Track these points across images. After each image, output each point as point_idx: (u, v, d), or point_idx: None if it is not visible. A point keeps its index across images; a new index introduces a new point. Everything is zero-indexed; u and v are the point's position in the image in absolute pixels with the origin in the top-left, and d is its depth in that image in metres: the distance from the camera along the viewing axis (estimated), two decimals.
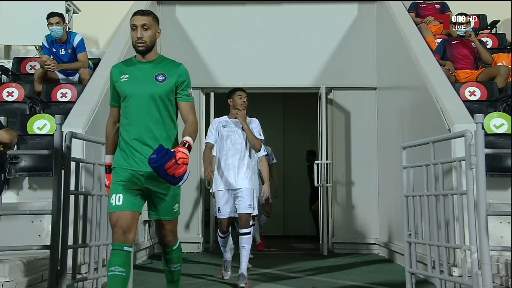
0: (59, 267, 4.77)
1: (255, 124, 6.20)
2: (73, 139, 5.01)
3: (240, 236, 6.06)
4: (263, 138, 6.22)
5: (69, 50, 7.53)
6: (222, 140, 6.16)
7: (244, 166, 6.08)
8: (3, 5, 8.51)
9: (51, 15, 7.46)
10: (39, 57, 8.46)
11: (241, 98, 6.19)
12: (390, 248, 8.41)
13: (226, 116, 6.28)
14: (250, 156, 6.15)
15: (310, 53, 9.86)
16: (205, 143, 6.28)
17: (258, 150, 6.20)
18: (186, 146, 3.79)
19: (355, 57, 9.89)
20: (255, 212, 7.21)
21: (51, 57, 7.52)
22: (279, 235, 12.46)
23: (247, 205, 6.06)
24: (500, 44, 8.97)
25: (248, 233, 6.04)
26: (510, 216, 5.24)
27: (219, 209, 6.15)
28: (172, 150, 3.70)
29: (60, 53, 7.52)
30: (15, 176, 6.31)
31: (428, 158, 5.34)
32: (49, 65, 7.34)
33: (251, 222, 6.22)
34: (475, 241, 4.61)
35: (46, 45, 7.55)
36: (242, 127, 6.08)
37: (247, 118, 6.20)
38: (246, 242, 6.05)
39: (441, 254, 5.12)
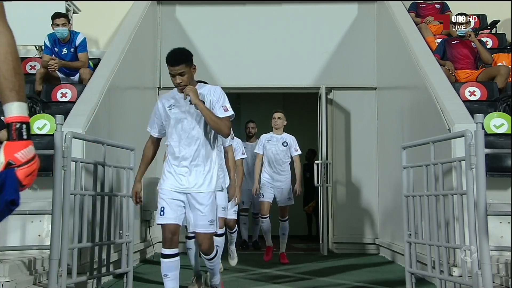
0: (59, 267, 4.77)
1: (215, 95, 4.35)
2: (73, 139, 5.01)
3: (205, 261, 4.57)
4: (233, 113, 4.37)
5: (71, 50, 7.55)
6: (170, 126, 4.39)
7: (202, 162, 4.33)
8: (3, 5, 8.51)
9: (57, 15, 7.48)
10: (39, 57, 8.46)
11: (172, 70, 4.27)
12: (390, 248, 8.41)
13: (176, 90, 4.43)
14: (212, 146, 4.40)
15: (310, 53, 9.87)
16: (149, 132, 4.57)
17: (226, 135, 4.42)
18: (21, 137, 1.90)
19: (355, 57, 9.89)
20: (233, 216, 6.70)
21: (53, 56, 7.53)
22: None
23: (208, 222, 4.29)
24: (500, 44, 8.97)
25: (213, 258, 4.53)
26: (510, 216, 5.23)
27: (162, 210, 4.28)
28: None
29: (63, 53, 7.53)
30: None
31: (428, 158, 5.34)
32: (52, 65, 7.34)
33: (225, 231, 5.42)
34: (475, 241, 4.61)
35: (48, 44, 7.55)
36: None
37: (205, 86, 4.45)
38: (212, 265, 4.64)
39: (441, 254, 5.12)
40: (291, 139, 7.96)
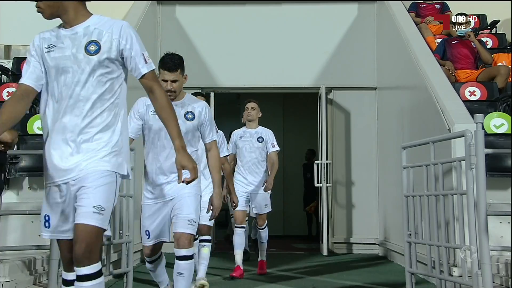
0: (59, 267, 4.76)
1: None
2: None
3: None
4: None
5: None
6: (49, 77, 2.93)
7: (97, 135, 2.89)
8: (3, 5, 8.51)
9: None
10: None
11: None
12: (390, 248, 8.41)
13: (62, 28, 3.14)
14: (113, 110, 3.07)
15: (310, 53, 9.86)
16: None
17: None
18: None
19: (355, 57, 9.89)
20: (211, 223, 5.41)
21: None
22: (279, 235, 12.45)
23: (92, 209, 2.83)
24: (500, 44, 8.97)
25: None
26: (510, 216, 5.24)
27: (47, 220, 3.22)
28: None
29: None
30: (15, 176, 6.31)
31: (428, 158, 5.34)
32: None
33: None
34: (475, 241, 4.61)
35: None
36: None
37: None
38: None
39: (441, 254, 5.12)
40: (267, 133, 6.73)
